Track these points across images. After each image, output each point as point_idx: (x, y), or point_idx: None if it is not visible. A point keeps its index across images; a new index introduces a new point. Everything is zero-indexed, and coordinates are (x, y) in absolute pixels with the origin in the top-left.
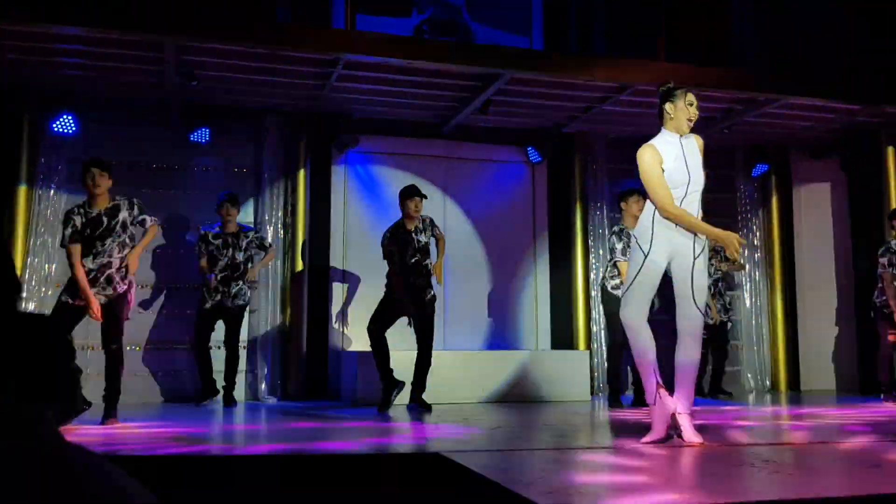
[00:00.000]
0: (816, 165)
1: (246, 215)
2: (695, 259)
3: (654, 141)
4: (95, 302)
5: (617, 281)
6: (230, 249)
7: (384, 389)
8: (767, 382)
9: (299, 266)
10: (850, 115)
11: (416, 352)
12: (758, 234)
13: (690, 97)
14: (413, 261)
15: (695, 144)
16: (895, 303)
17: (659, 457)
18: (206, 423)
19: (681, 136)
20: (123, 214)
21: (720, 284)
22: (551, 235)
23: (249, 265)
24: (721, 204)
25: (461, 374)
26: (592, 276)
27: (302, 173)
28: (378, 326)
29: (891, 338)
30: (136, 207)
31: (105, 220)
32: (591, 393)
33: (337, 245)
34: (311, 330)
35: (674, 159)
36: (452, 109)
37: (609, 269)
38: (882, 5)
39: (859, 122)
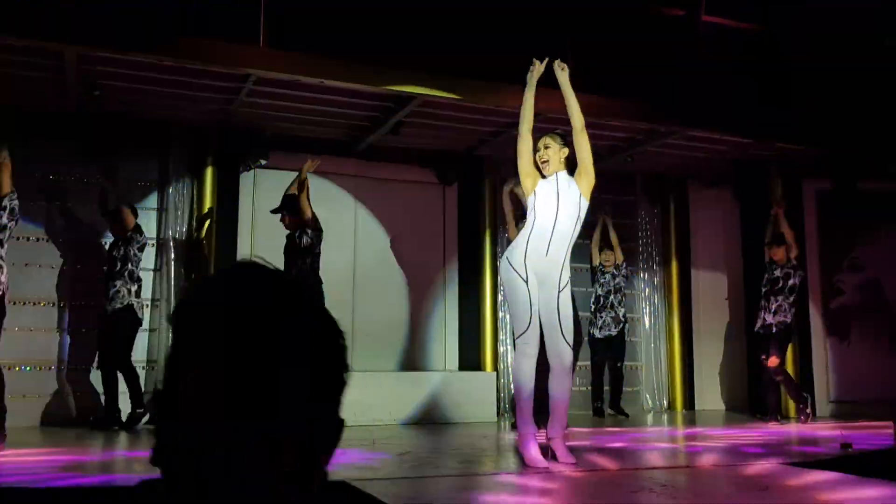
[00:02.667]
0: (711, 194)
1: (149, 230)
2: (559, 291)
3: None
4: None
5: None
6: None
7: None
8: (664, 402)
9: None
10: (742, 147)
11: None
12: (657, 258)
13: (541, 142)
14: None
15: (574, 186)
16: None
17: (561, 483)
18: (99, 449)
19: (548, 174)
20: None
21: (611, 297)
22: (461, 256)
23: (130, 265)
24: (623, 229)
25: (369, 396)
26: (500, 297)
27: (209, 188)
28: None
29: (770, 363)
30: None
31: None
32: (497, 414)
33: None
34: None
35: (544, 191)
36: (364, 129)
37: None
38: (769, 53)
39: (751, 155)
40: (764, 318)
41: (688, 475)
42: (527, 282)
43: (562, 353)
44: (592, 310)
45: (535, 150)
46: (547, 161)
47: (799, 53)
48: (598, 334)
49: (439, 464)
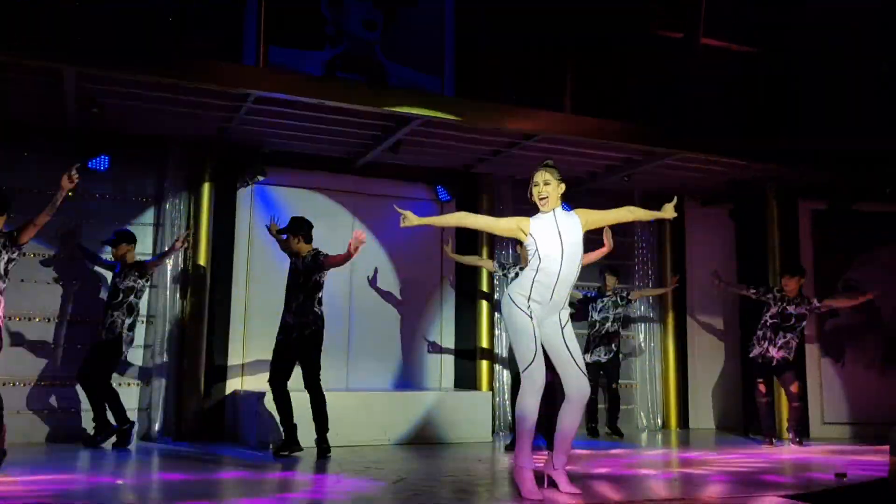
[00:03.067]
0: (707, 213)
1: (145, 246)
2: (562, 329)
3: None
4: None
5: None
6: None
7: (285, 440)
8: (659, 421)
9: (198, 299)
10: (738, 169)
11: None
12: (652, 276)
13: (537, 177)
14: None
15: (576, 221)
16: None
17: None
18: (94, 472)
19: (545, 211)
20: None
21: (608, 325)
22: (458, 274)
23: (133, 297)
24: (620, 248)
25: (364, 416)
26: (496, 315)
27: (206, 204)
28: (279, 380)
29: (794, 389)
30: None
31: None
32: (493, 433)
33: (240, 278)
34: (208, 367)
35: (543, 230)
36: (364, 146)
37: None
38: (767, 75)
39: (747, 175)
40: (766, 349)
41: None
42: (531, 318)
43: (581, 385)
44: (589, 334)
45: (533, 183)
46: (546, 197)
47: (796, 76)
48: (588, 359)
49: (434, 494)
